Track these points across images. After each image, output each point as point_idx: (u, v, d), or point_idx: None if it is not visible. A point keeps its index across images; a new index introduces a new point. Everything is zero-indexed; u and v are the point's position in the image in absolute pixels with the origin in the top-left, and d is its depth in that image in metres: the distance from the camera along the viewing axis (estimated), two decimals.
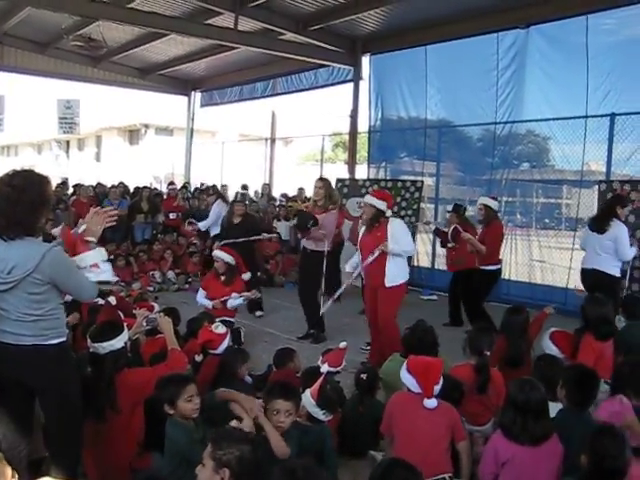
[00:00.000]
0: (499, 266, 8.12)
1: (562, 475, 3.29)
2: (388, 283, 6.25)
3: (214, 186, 14.79)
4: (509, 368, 4.68)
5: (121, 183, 14.12)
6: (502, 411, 3.52)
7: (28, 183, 3.12)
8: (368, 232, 6.51)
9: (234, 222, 9.10)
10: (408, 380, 3.75)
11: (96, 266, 3.23)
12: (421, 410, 3.64)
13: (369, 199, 6.51)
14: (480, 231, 8.06)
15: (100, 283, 3.31)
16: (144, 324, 4.62)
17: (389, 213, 6.49)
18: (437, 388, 3.69)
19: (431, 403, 3.64)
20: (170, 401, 3.45)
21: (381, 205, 6.38)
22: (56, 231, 3.39)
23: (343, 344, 5.10)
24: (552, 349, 4.88)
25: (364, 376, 4.54)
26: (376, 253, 6.21)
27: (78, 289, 3.23)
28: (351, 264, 6.79)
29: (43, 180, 3.23)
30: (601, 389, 4.09)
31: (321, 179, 7.99)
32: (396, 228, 6.37)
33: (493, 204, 8.09)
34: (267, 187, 15.03)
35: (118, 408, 3.56)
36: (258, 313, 8.85)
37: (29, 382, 3.16)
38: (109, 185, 13.95)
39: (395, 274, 6.29)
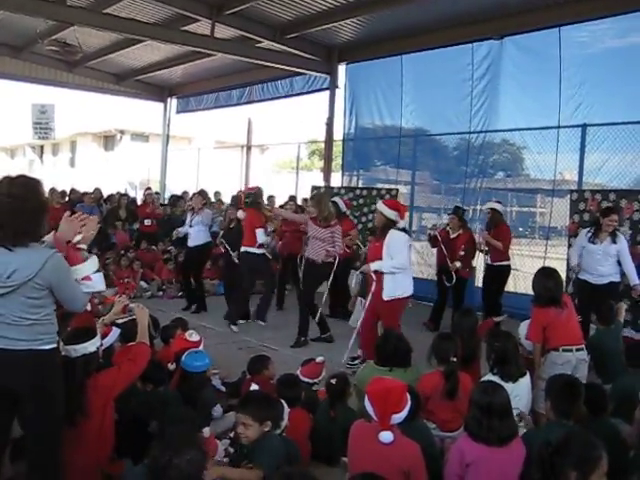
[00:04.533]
0: (510, 262, 8.76)
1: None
2: (385, 297, 6.13)
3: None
4: (461, 366, 4.67)
5: (97, 189, 14.01)
6: (467, 414, 3.51)
7: (28, 191, 3.07)
8: (375, 240, 6.39)
9: (229, 226, 9.24)
10: (368, 407, 3.41)
11: (88, 278, 3.28)
12: (377, 443, 3.30)
13: (379, 206, 6.35)
14: (484, 233, 8.62)
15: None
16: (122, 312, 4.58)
17: (402, 224, 6.30)
18: (398, 417, 3.34)
19: (386, 437, 3.28)
20: None
21: (391, 214, 6.18)
22: (48, 237, 3.34)
23: (320, 359, 5.17)
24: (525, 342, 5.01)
25: (333, 381, 4.55)
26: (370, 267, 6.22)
27: (72, 297, 3.21)
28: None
29: (39, 185, 3.20)
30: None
31: (312, 197, 7.99)
32: (392, 242, 6.14)
33: (500, 208, 8.77)
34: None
35: (87, 412, 3.53)
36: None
37: (18, 387, 3.08)
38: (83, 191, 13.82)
39: (392, 288, 6.13)
